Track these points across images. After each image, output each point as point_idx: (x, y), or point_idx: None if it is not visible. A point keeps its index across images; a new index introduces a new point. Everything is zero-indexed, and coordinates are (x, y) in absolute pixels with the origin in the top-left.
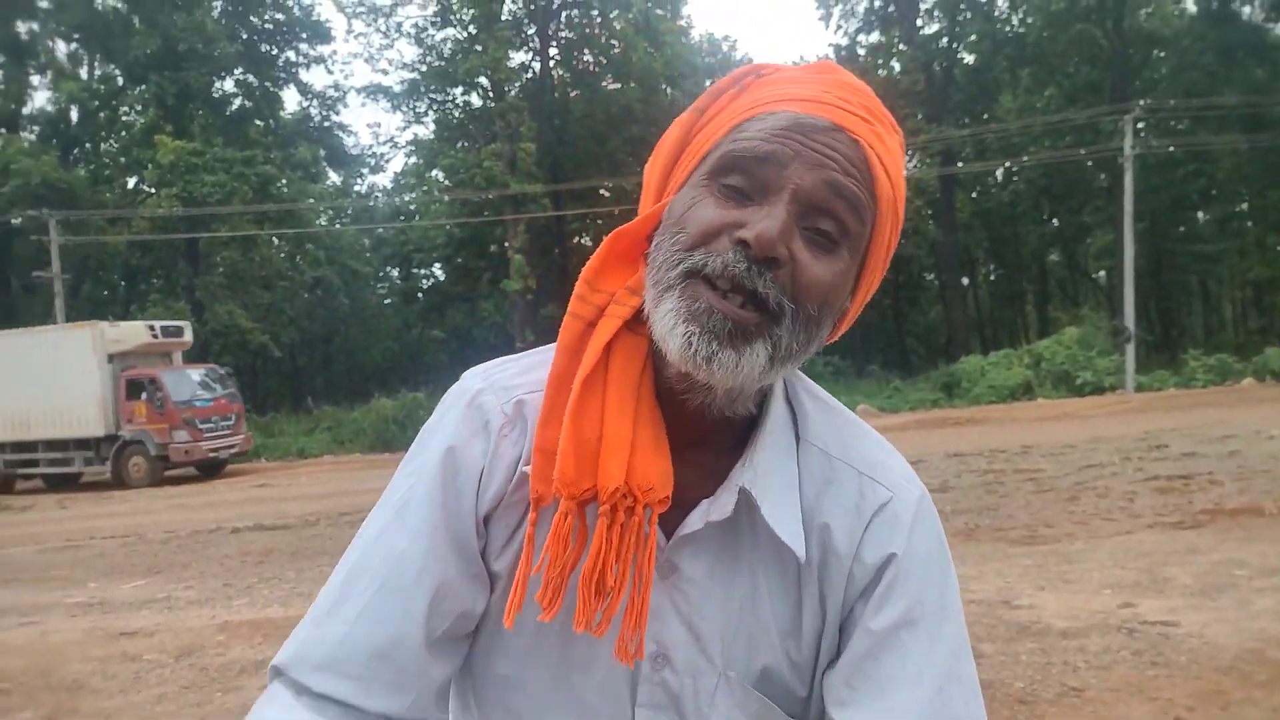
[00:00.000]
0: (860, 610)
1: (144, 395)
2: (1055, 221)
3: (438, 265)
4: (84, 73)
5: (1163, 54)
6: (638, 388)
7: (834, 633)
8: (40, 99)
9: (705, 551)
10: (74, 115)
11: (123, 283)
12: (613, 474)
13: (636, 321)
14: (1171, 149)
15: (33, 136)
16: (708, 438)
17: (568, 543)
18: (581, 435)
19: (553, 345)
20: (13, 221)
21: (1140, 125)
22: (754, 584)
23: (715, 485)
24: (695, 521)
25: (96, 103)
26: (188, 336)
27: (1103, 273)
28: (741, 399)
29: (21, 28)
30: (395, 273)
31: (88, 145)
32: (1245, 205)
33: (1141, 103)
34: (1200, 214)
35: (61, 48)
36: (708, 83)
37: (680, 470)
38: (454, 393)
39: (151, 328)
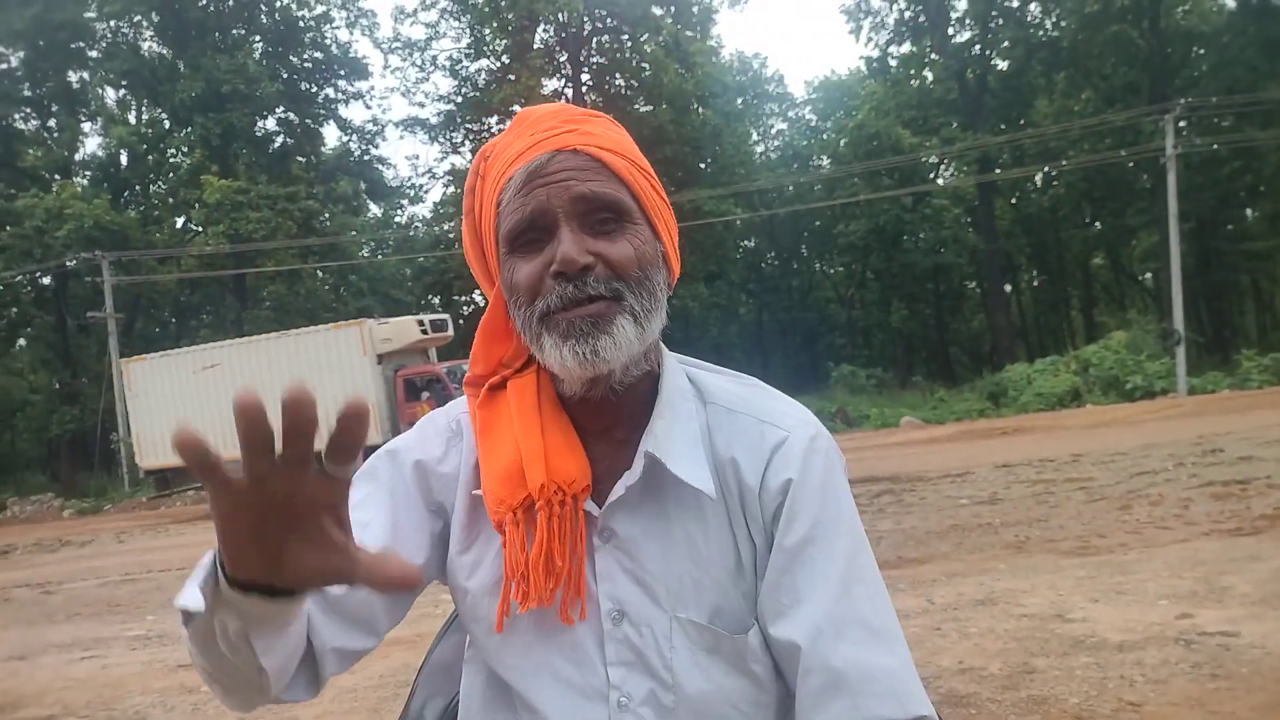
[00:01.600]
0: (774, 531)
1: (424, 395)
2: (1098, 225)
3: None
4: (132, 117)
5: (1202, 51)
6: (538, 406)
7: (765, 559)
8: (92, 144)
9: (638, 513)
10: (124, 159)
11: (173, 320)
12: (536, 477)
13: (516, 374)
14: (1215, 147)
15: (85, 181)
16: (621, 422)
17: (523, 543)
18: (509, 460)
19: None
20: (68, 264)
21: (1182, 124)
22: (687, 533)
23: (633, 459)
24: (618, 490)
25: (145, 146)
26: (450, 330)
27: (1149, 274)
28: (636, 366)
29: (73, 77)
30: (437, 301)
31: (137, 187)
32: None
33: (1182, 101)
34: (1249, 211)
35: (110, 94)
36: (739, 101)
37: (604, 454)
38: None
39: (421, 323)
